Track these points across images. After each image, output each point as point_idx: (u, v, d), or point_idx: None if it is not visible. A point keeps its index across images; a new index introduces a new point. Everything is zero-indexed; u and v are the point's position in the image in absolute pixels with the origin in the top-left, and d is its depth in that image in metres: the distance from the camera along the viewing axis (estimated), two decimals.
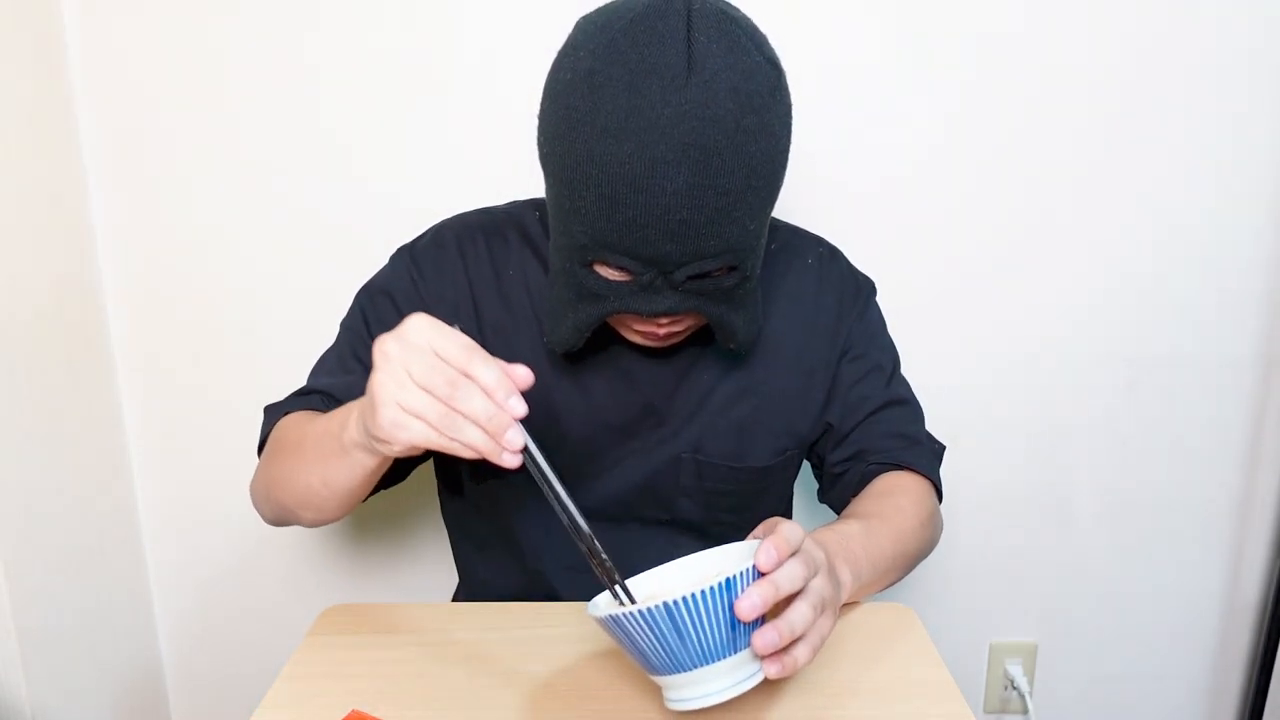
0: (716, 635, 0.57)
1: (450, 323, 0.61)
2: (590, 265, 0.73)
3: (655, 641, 0.57)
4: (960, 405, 1.32)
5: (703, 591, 0.55)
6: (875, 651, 0.76)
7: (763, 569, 0.58)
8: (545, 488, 0.62)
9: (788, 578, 0.58)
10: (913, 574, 1.39)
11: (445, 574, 1.05)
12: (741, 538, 0.68)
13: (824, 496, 0.99)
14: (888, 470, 0.91)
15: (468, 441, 0.59)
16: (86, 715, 1.22)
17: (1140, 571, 1.41)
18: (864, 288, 0.94)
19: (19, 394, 1.09)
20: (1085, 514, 1.39)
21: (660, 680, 0.61)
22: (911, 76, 1.20)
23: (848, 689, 0.71)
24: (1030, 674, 1.45)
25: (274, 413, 0.87)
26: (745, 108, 0.66)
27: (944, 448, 0.96)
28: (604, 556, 0.62)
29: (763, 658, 0.59)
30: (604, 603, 0.64)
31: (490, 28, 1.16)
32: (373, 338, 0.84)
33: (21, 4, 1.08)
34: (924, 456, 0.93)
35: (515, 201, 0.93)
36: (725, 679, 0.59)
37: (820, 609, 0.61)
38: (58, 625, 1.16)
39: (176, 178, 1.21)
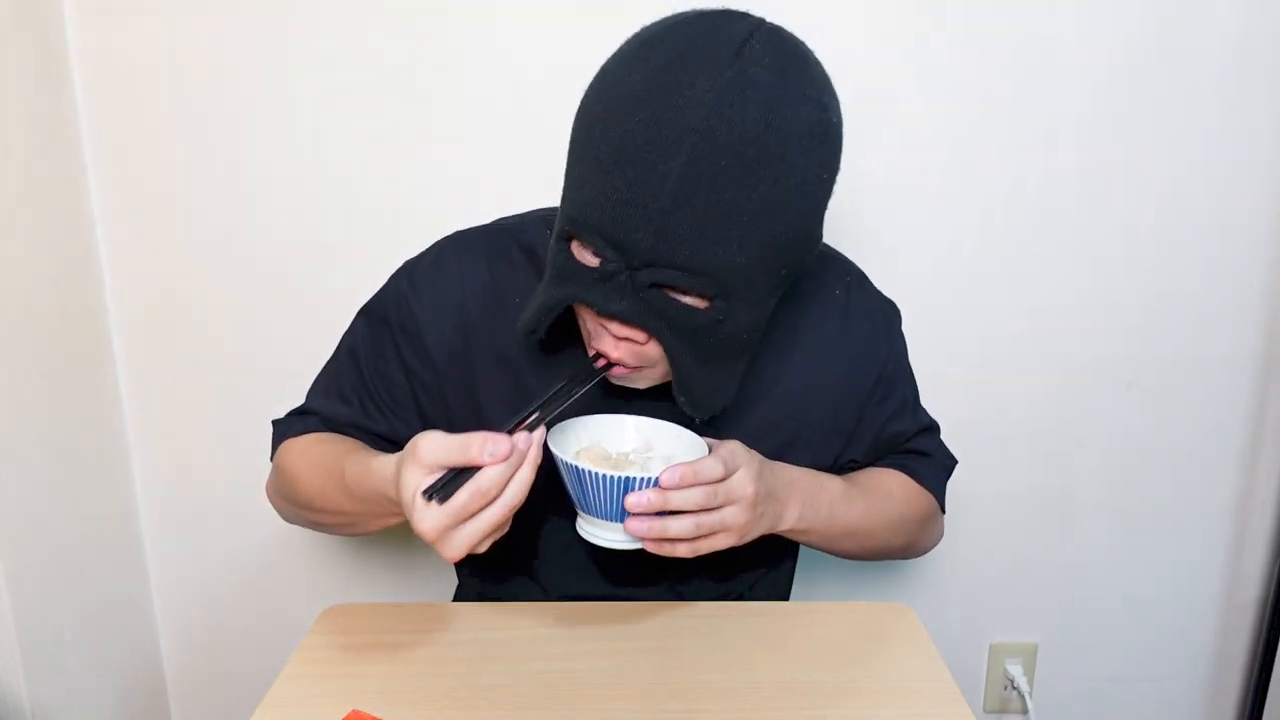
0: (608, 508, 0.69)
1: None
2: (569, 244, 0.70)
3: (566, 480, 0.71)
4: (961, 406, 1.31)
5: (605, 476, 0.68)
6: (875, 651, 0.76)
7: (663, 485, 0.67)
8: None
9: (681, 500, 0.68)
10: (913, 574, 1.40)
11: (445, 574, 1.05)
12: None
13: None
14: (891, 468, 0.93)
15: (519, 499, 0.65)
16: (86, 715, 1.22)
17: (1140, 572, 1.41)
18: (891, 317, 0.92)
19: (20, 394, 1.09)
20: (1085, 514, 1.39)
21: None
22: (909, 81, 1.20)
23: (848, 689, 0.71)
24: (1030, 674, 1.45)
25: (280, 430, 0.89)
26: (771, 126, 0.62)
27: (955, 463, 0.97)
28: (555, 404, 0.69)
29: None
30: (574, 437, 0.76)
31: (500, 36, 1.16)
32: (365, 367, 0.86)
33: (22, 4, 1.08)
34: (930, 468, 0.94)
35: (528, 213, 0.90)
36: (608, 533, 0.71)
37: (710, 530, 0.70)
38: (58, 625, 1.16)
39: (178, 180, 1.21)
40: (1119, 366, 1.32)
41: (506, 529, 0.67)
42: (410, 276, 0.86)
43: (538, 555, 0.91)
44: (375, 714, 0.67)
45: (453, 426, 0.86)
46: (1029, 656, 1.45)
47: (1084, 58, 1.20)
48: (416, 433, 0.86)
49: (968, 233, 1.26)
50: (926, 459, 0.95)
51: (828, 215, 1.22)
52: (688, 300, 0.67)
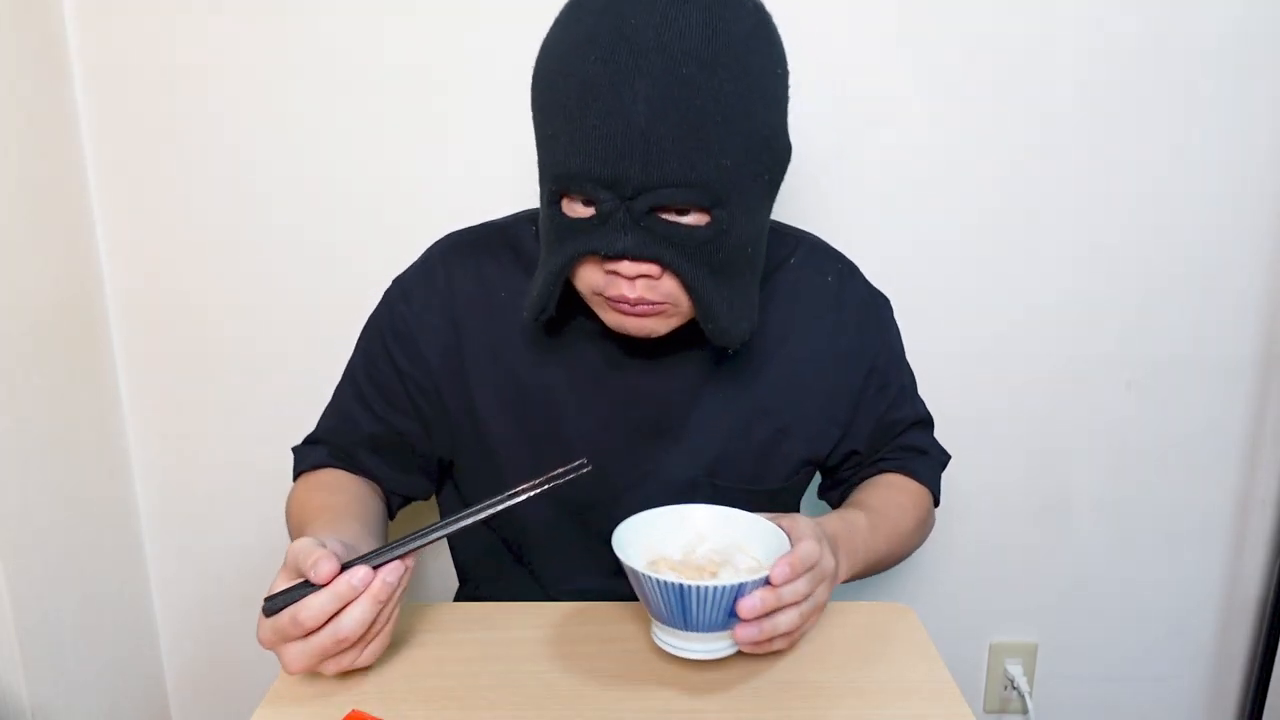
0: (713, 618, 0.65)
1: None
2: (559, 205, 0.70)
3: (660, 601, 0.65)
4: (960, 405, 1.32)
5: (716, 587, 0.63)
6: (875, 651, 0.76)
7: (775, 583, 0.65)
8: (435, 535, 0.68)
9: (792, 593, 0.66)
10: (913, 574, 1.40)
11: (445, 574, 1.05)
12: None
13: (823, 494, 0.99)
14: (893, 472, 0.94)
15: (349, 632, 0.64)
16: (86, 715, 1.22)
17: (1140, 571, 1.41)
18: (882, 308, 0.93)
19: (20, 394, 1.09)
20: (1085, 514, 1.39)
21: (653, 618, 0.70)
22: (906, 80, 1.20)
23: (848, 689, 0.71)
24: (1030, 674, 1.45)
25: (295, 461, 0.91)
26: (718, 31, 0.65)
27: (949, 458, 0.99)
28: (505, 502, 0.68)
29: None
30: (630, 547, 0.70)
31: (500, 35, 1.16)
32: (360, 378, 0.87)
33: (21, 4, 1.08)
34: (929, 467, 0.96)
35: (516, 213, 0.91)
36: (708, 645, 0.68)
37: (810, 614, 0.68)
38: (58, 625, 1.16)
39: (179, 181, 1.21)
40: (1118, 366, 1.32)
41: (364, 661, 0.67)
42: (401, 285, 0.87)
43: (535, 552, 0.91)
44: (375, 714, 0.67)
45: (449, 424, 0.87)
46: (1029, 656, 1.45)
47: (1082, 55, 1.20)
48: (415, 430, 0.87)
49: (966, 231, 1.26)
50: (925, 456, 0.96)
51: (826, 211, 1.23)
52: (688, 220, 0.69)
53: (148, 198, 1.21)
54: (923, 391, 0.98)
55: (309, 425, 0.93)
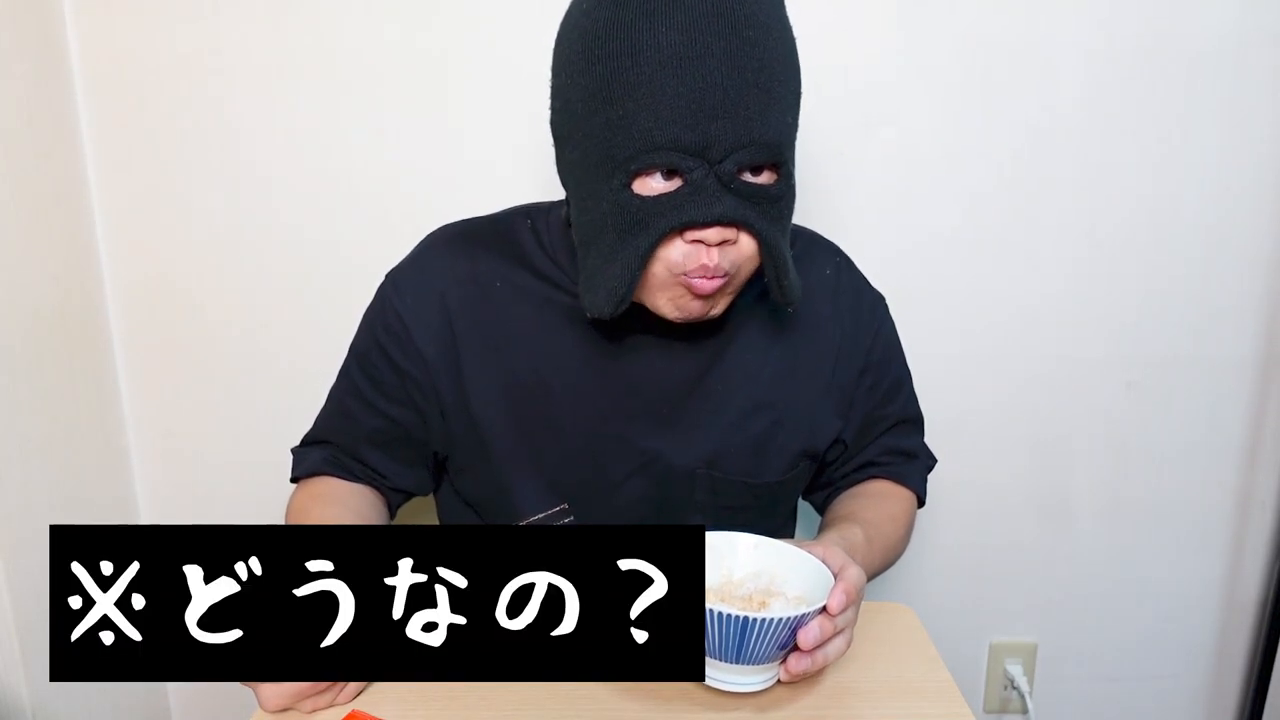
0: (767, 650, 0.64)
1: None
2: (632, 187, 0.69)
3: (717, 633, 0.63)
4: (960, 405, 1.32)
5: (777, 619, 0.62)
6: (875, 651, 0.76)
7: (832, 612, 0.65)
8: None
9: (845, 620, 0.67)
10: (913, 574, 1.40)
11: None
12: None
13: (806, 495, 0.99)
14: (882, 479, 0.94)
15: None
16: (87, 715, 1.22)
17: (1140, 571, 1.41)
18: (876, 304, 0.93)
19: (20, 394, 1.09)
20: (1085, 514, 1.39)
21: None
22: (907, 80, 1.20)
23: (848, 689, 0.71)
24: (1030, 674, 1.45)
25: (294, 463, 0.91)
26: None
27: (936, 462, 0.99)
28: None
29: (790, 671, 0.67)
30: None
31: (500, 30, 1.16)
32: (356, 376, 0.87)
33: (21, 4, 1.08)
34: (918, 472, 0.96)
35: (506, 209, 0.91)
36: (753, 678, 0.67)
37: (849, 640, 0.69)
38: None
39: (178, 178, 1.21)
40: (1119, 366, 1.32)
41: (342, 700, 0.70)
42: (394, 281, 0.86)
43: None
44: (375, 714, 0.67)
45: (445, 418, 0.87)
46: (1029, 656, 1.45)
47: (1083, 54, 1.20)
48: (414, 421, 0.87)
49: (965, 230, 1.26)
50: (913, 461, 0.96)
51: (826, 210, 1.23)
52: (760, 180, 0.70)
53: (148, 197, 1.21)
54: (922, 390, 0.98)
55: (309, 424, 0.93)
